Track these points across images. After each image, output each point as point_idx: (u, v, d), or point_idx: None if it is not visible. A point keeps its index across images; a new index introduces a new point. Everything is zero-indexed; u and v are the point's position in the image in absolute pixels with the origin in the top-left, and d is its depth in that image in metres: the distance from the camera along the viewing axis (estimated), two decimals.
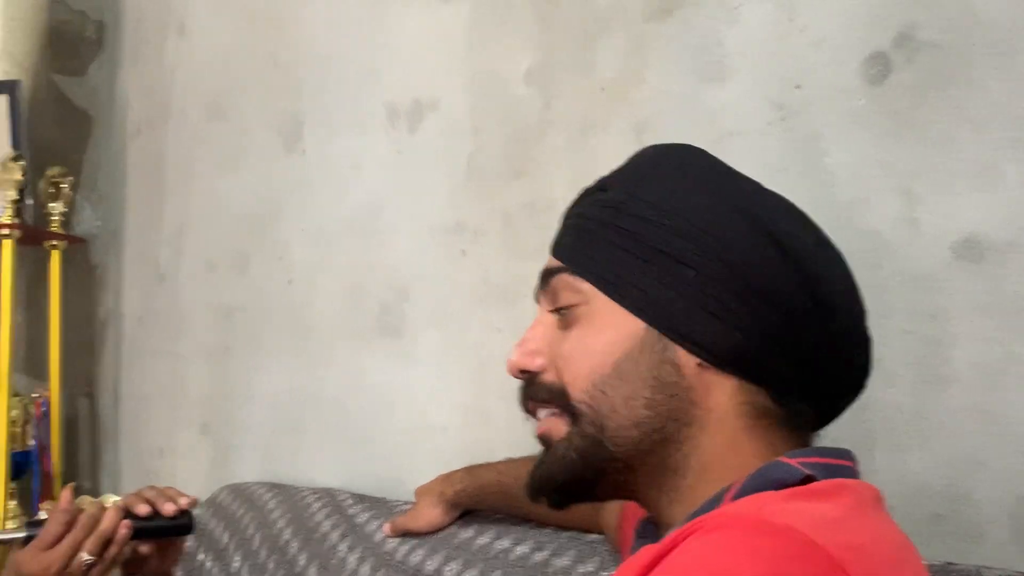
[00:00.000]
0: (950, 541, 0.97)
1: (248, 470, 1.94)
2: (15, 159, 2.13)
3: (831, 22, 1.09)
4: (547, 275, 0.77)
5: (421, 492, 1.32)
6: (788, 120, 1.12)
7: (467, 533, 1.26)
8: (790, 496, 0.61)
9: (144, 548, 1.14)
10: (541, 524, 1.21)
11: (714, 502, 0.66)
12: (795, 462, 0.65)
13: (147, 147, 2.38)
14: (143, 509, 1.11)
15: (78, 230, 2.51)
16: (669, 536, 0.60)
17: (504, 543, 1.19)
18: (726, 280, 0.68)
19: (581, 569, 1.08)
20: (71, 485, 1.19)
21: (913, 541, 0.64)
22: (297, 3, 1.91)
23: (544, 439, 0.77)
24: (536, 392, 0.77)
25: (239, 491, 1.74)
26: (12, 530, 1.26)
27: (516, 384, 0.79)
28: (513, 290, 1.45)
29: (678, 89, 1.25)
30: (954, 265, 0.98)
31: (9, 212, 2.12)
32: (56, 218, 2.29)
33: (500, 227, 1.48)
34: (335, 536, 1.41)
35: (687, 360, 0.70)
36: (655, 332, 0.70)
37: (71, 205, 2.37)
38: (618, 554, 1.02)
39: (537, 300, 0.79)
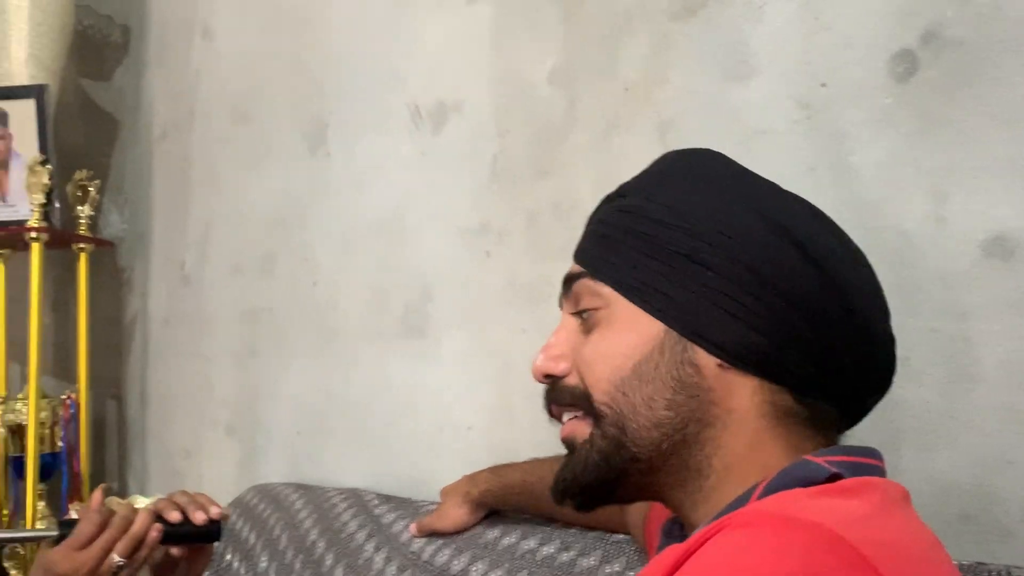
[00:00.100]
0: (979, 541, 0.96)
1: (274, 471, 1.95)
2: (43, 163, 2.15)
3: (857, 20, 1.08)
4: (569, 280, 0.78)
5: (446, 492, 1.33)
6: (814, 119, 1.12)
7: (493, 533, 1.26)
8: (817, 493, 0.61)
9: (176, 551, 1.15)
10: (567, 524, 1.20)
11: (741, 501, 0.66)
12: (821, 460, 0.65)
13: (172, 150, 2.39)
14: (174, 516, 1.12)
15: (105, 233, 2.54)
16: (696, 535, 0.60)
17: (530, 543, 1.19)
18: (744, 280, 0.69)
19: (608, 569, 1.08)
20: (103, 486, 1.20)
21: (941, 541, 0.63)
22: (321, 5, 1.91)
23: (568, 442, 0.77)
24: (560, 396, 0.78)
25: (266, 492, 1.75)
26: (45, 528, 1.27)
27: (541, 384, 0.79)
28: (538, 291, 1.44)
29: (703, 88, 1.24)
30: (983, 263, 0.97)
31: (37, 216, 2.14)
32: (83, 221, 2.30)
33: (524, 228, 1.48)
34: (361, 536, 1.42)
35: (707, 361, 0.70)
36: (675, 334, 0.71)
37: (98, 208, 2.40)
38: (645, 554, 1.02)
39: (561, 306, 0.80)
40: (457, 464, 1.39)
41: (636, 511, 1.04)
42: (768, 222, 0.70)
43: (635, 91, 1.33)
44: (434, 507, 1.36)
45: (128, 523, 1.10)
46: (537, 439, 1.31)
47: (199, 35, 2.29)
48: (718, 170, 0.76)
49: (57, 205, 2.23)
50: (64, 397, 2.24)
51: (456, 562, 1.23)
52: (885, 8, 1.06)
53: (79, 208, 2.30)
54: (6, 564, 2.20)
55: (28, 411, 2.13)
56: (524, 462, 1.25)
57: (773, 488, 0.64)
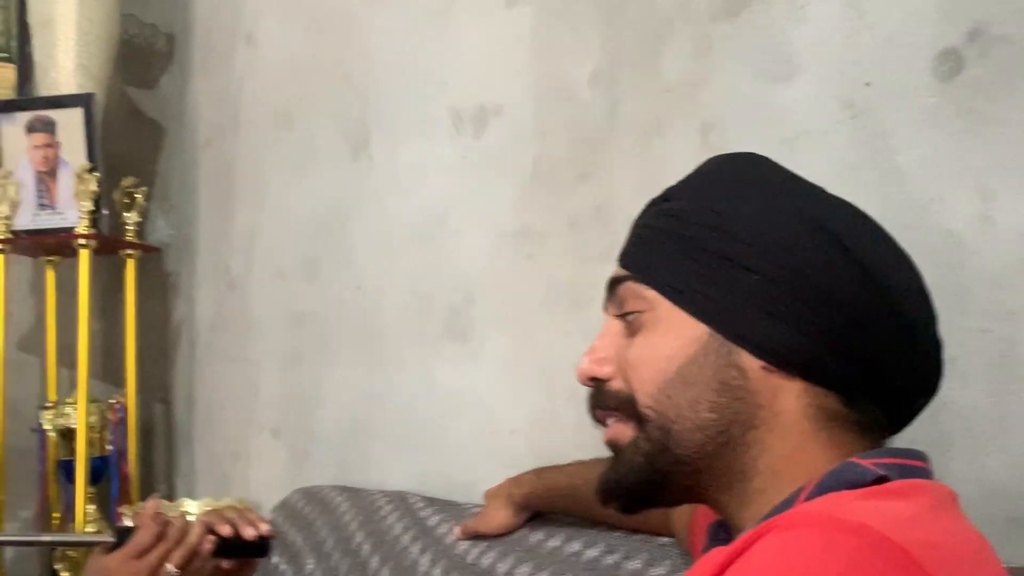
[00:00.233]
0: None
1: (320, 474, 1.96)
2: (90, 171, 2.18)
3: (901, 18, 1.07)
4: (614, 284, 0.78)
5: (491, 495, 1.33)
6: (858, 118, 1.11)
7: (538, 536, 1.26)
8: (864, 495, 0.61)
9: (225, 564, 1.16)
10: (612, 527, 1.20)
11: (787, 504, 0.66)
12: (868, 463, 0.65)
13: (217, 156, 2.41)
14: (226, 530, 1.14)
15: (152, 239, 2.56)
16: (742, 537, 0.60)
17: (575, 546, 1.19)
18: (789, 283, 0.69)
19: (653, 572, 1.08)
20: (158, 495, 1.21)
21: (991, 543, 0.63)
22: (362, 12, 1.93)
23: (612, 445, 0.78)
24: (604, 399, 0.78)
25: (311, 494, 1.76)
26: (102, 535, 1.29)
27: (585, 387, 0.80)
28: (580, 293, 1.44)
29: (745, 89, 1.24)
30: None
31: (85, 223, 2.17)
32: (131, 228, 2.33)
33: (566, 231, 1.48)
34: (407, 538, 1.42)
35: (752, 364, 0.70)
36: (719, 337, 0.71)
37: (145, 215, 2.42)
38: (690, 557, 1.01)
39: (605, 309, 0.80)
40: (501, 467, 1.39)
41: (681, 514, 1.04)
42: (812, 225, 0.70)
43: (677, 93, 1.32)
44: (478, 510, 1.36)
45: (183, 534, 1.11)
46: (581, 442, 1.31)
47: (243, 42, 2.31)
48: (763, 174, 0.76)
49: (105, 212, 2.27)
50: (113, 401, 2.26)
51: (501, 564, 1.24)
52: (929, 6, 1.05)
53: (126, 215, 2.33)
54: (57, 566, 2.23)
55: (78, 415, 2.15)
56: (568, 464, 1.25)
57: (819, 490, 0.64)
